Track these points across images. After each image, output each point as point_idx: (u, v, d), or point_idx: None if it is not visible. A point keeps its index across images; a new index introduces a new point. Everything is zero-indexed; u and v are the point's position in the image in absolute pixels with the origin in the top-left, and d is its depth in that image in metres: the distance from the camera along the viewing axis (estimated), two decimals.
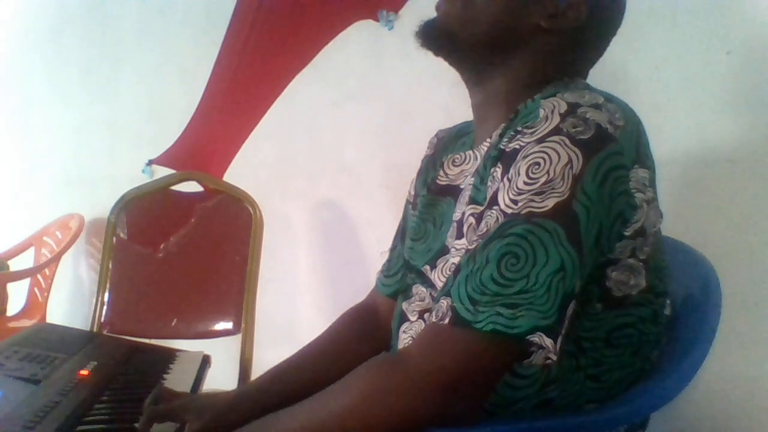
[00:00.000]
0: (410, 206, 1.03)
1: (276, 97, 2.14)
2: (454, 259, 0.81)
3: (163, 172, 2.37)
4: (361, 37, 1.93)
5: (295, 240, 2.23)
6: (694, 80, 1.34)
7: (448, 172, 0.91)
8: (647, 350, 0.79)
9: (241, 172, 2.20)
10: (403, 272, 0.96)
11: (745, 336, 1.25)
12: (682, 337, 0.86)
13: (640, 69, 1.42)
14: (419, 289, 0.87)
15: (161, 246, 1.73)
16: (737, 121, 1.29)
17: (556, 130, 0.68)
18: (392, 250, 1.05)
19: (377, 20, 1.86)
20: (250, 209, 1.70)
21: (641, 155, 0.73)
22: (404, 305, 0.90)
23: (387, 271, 1.04)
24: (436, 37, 0.84)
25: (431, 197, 0.93)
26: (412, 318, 0.87)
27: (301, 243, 2.24)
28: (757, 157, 1.26)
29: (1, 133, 3.14)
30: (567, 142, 0.67)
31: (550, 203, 0.65)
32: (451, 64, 0.87)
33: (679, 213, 1.36)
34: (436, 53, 0.86)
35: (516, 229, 0.66)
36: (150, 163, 2.48)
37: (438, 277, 0.84)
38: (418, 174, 1.04)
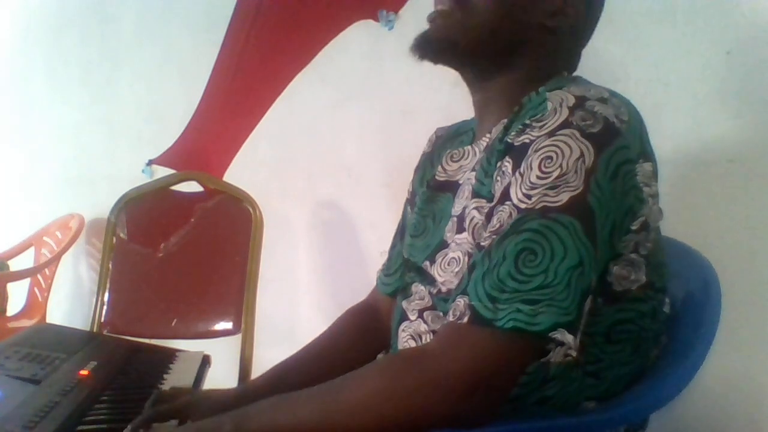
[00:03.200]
0: (409, 204, 1.04)
1: (276, 97, 2.14)
2: (453, 253, 0.81)
3: (163, 172, 2.37)
4: (361, 37, 1.93)
5: (295, 240, 2.23)
6: (694, 80, 1.34)
7: (447, 168, 0.92)
8: (646, 347, 0.79)
9: (241, 172, 2.20)
10: (402, 271, 0.96)
11: (745, 336, 1.25)
12: (682, 337, 0.86)
13: (640, 69, 1.41)
14: (418, 288, 0.87)
15: (161, 246, 1.73)
16: (737, 121, 1.28)
17: (566, 123, 0.68)
18: (392, 248, 1.05)
19: (377, 20, 1.86)
20: (250, 209, 1.70)
21: (645, 149, 0.74)
22: (404, 304, 0.89)
23: (387, 270, 1.04)
24: (437, 48, 0.85)
25: (430, 193, 0.93)
26: (412, 317, 0.87)
27: (301, 243, 2.23)
28: (757, 157, 1.26)
29: (1, 133, 3.14)
30: (578, 135, 0.67)
31: (564, 197, 0.65)
32: (452, 68, 0.88)
33: (679, 213, 1.35)
34: (437, 62, 0.86)
35: (532, 224, 0.65)
36: (150, 163, 2.48)
37: (438, 272, 0.84)
38: (416, 171, 1.04)
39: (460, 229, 0.81)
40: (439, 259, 0.84)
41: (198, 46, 2.33)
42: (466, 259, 0.78)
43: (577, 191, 0.65)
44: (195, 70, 2.27)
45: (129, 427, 0.85)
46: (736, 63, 1.28)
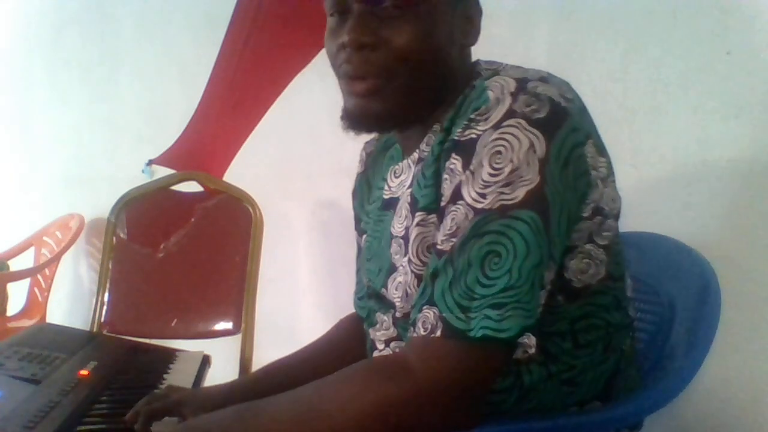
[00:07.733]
0: (356, 230, 1.01)
1: (276, 97, 2.14)
2: (401, 277, 0.79)
3: (163, 172, 2.36)
4: None
5: (295, 240, 2.23)
6: (694, 80, 1.34)
7: (391, 184, 0.88)
8: (618, 341, 0.77)
9: (241, 172, 2.20)
10: (367, 297, 0.93)
11: (745, 336, 1.25)
12: (681, 338, 0.86)
13: (640, 69, 1.41)
14: (381, 317, 0.85)
15: (161, 246, 1.73)
16: (737, 121, 1.28)
17: (510, 113, 0.65)
18: (357, 272, 1.01)
19: None
20: (250, 209, 1.70)
21: (589, 127, 0.71)
22: (371, 332, 0.88)
23: (358, 294, 1.01)
24: (375, 124, 0.79)
25: (380, 213, 0.90)
26: (380, 347, 0.86)
27: (301, 243, 2.23)
28: (757, 157, 1.26)
29: (1, 133, 3.14)
30: (524, 124, 0.64)
31: (521, 193, 0.63)
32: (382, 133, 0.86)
33: (680, 213, 1.36)
34: (371, 132, 0.83)
35: (492, 226, 0.63)
36: (150, 163, 2.48)
37: (393, 296, 0.81)
38: (354, 195, 1.02)
39: (406, 252, 0.77)
40: (390, 284, 0.82)
41: (198, 46, 2.33)
42: (415, 281, 0.75)
43: (533, 184, 0.63)
44: (195, 70, 2.26)
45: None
46: (736, 63, 1.28)
